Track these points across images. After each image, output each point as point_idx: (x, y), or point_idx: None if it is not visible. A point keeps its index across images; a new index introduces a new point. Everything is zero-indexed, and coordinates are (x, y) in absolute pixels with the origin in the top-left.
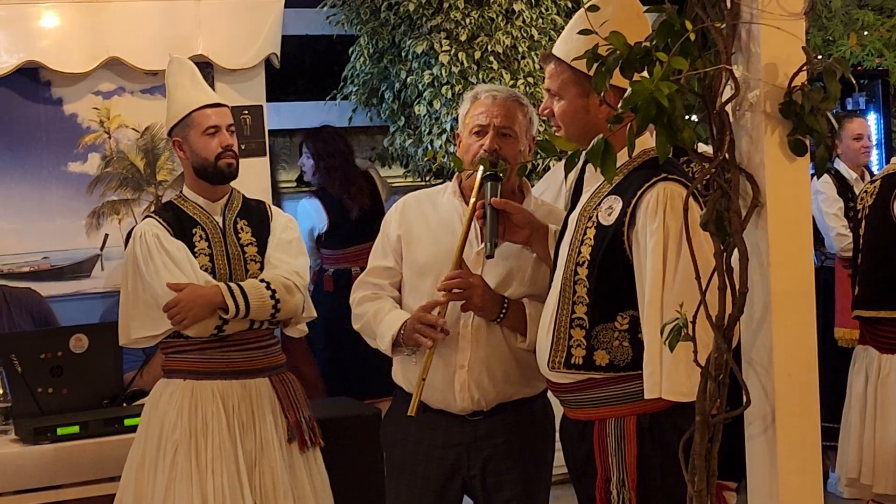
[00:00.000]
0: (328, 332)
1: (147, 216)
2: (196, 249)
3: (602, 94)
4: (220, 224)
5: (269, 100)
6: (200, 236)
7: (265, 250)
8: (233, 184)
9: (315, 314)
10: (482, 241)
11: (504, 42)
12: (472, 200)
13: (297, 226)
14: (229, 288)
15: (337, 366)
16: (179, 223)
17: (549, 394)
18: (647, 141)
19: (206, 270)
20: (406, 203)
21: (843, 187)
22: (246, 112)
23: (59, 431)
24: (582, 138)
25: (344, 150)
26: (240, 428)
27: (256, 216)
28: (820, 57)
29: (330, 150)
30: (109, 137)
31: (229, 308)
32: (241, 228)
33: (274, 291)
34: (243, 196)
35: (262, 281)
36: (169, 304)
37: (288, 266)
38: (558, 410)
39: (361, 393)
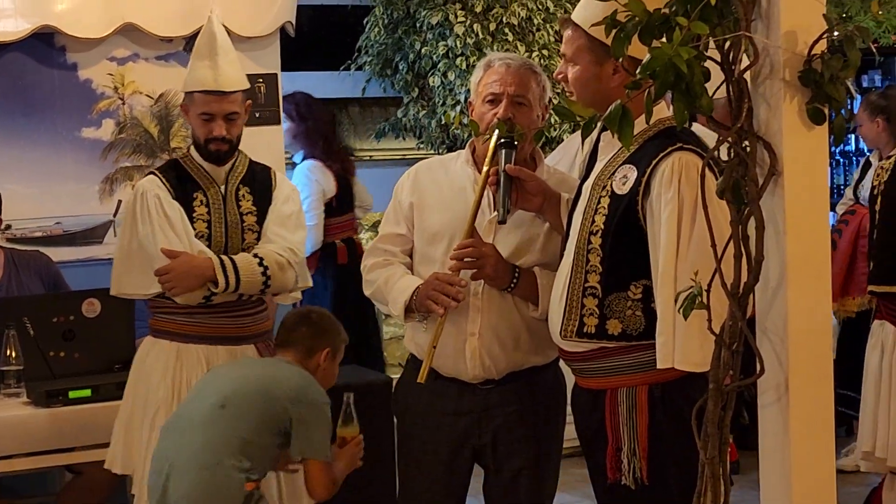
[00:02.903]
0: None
1: (151, 172)
2: (195, 214)
3: (620, 60)
4: (223, 191)
5: (283, 69)
6: (201, 201)
7: (264, 221)
8: (246, 151)
9: (311, 283)
10: (495, 209)
11: (519, 14)
12: (486, 168)
13: (299, 197)
14: (221, 262)
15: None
16: (182, 185)
17: (561, 362)
18: (663, 110)
19: (202, 237)
20: (419, 170)
21: None
22: (261, 80)
23: (71, 395)
24: (594, 105)
25: (330, 117)
26: None
27: (260, 184)
28: (837, 23)
29: (316, 115)
30: (123, 104)
31: (219, 282)
32: (243, 196)
33: (266, 268)
34: (250, 161)
35: (255, 256)
36: (161, 270)
37: (284, 241)
38: (570, 379)
39: None
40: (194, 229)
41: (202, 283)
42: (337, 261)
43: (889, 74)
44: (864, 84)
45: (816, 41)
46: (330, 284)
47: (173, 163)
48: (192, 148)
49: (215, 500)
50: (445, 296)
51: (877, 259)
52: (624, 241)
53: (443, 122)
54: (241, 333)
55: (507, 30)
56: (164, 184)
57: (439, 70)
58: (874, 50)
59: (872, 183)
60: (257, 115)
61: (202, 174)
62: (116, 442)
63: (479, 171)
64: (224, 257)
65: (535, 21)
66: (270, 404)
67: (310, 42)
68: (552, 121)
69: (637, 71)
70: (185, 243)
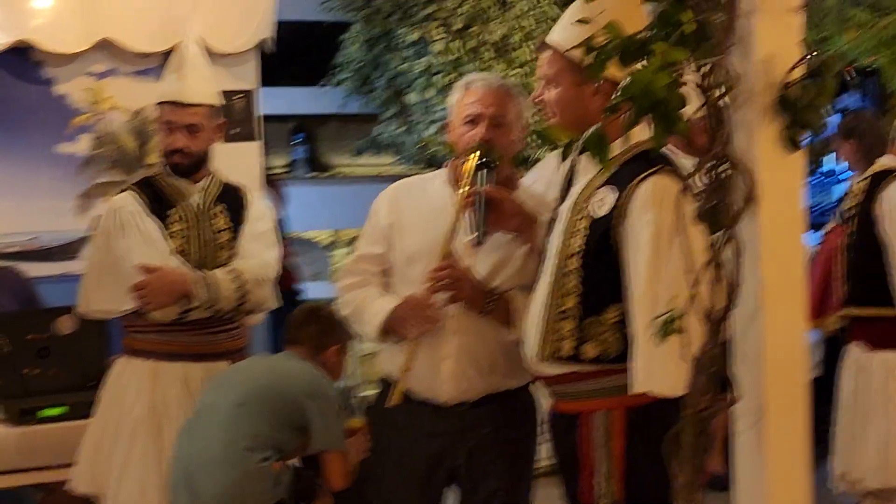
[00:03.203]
0: None
1: (125, 189)
2: (171, 231)
3: (598, 84)
4: (197, 208)
5: (262, 85)
6: (179, 217)
7: (238, 237)
8: (223, 167)
9: (275, 305)
10: (472, 230)
11: (498, 32)
12: (463, 189)
13: (272, 215)
14: (198, 277)
15: None
16: (158, 201)
17: (536, 385)
18: (641, 133)
19: (179, 253)
20: (397, 190)
21: None
22: (239, 96)
23: (45, 413)
24: (575, 127)
25: None
26: None
27: (234, 202)
28: (813, 51)
29: None
30: (101, 119)
31: (197, 296)
32: (218, 214)
33: (243, 283)
34: (224, 180)
35: (230, 271)
36: (137, 285)
37: (259, 258)
38: (544, 401)
39: None
40: (171, 245)
41: (179, 298)
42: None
43: (866, 95)
44: (842, 104)
45: (793, 68)
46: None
47: (149, 179)
48: (167, 165)
49: (248, 492)
50: (420, 319)
51: (851, 282)
52: (601, 264)
53: (421, 140)
54: (216, 350)
55: (485, 48)
56: (139, 200)
57: (417, 87)
58: (849, 76)
59: (846, 205)
60: (234, 131)
61: (176, 191)
62: (83, 461)
63: (458, 191)
64: (200, 272)
65: (514, 39)
66: (287, 400)
67: (288, 58)
68: (530, 141)
69: (614, 95)
70: (162, 259)
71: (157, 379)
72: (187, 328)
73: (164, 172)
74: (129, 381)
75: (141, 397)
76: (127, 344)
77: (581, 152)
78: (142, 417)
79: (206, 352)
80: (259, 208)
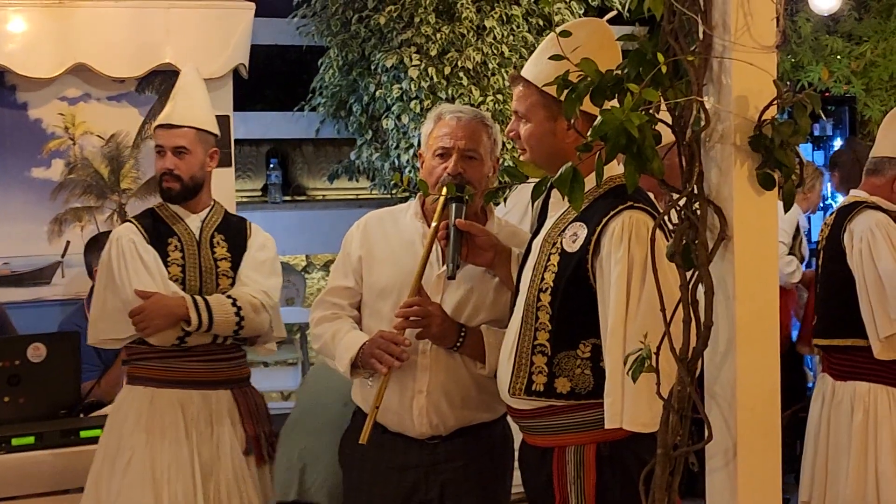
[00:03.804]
0: None
1: (127, 220)
2: (169, 259)
3: (574, 120)
4: (197, 235)
5: (235, 108)
6: (175, 246)
7: (238, 267)
8: None
9: (285, 334)
10: (443, 264)
11: (474, 58)
12: (434, 224)
13: (274, 245)
14: (194, 301)
15: None
16: (156, 230)
17: (509, 418)
18: (614, 168)
19: (176, 281)
20: (368, 222)
21: None
22: None
23: (14, 442)
24: (548, 162)
25: None
26: (198, 437)
27: (234, 232)
28: (787, 91)
29: None
30: (74, 144)
31: (192, 320)
32: (218, 243)
33: (239, 308)
34: (225, 211)
35: (228, 297)
36: (134, 310)
37: (258, 285)
38: (517, 434)
39: None
40: (168, 273)
41: (175, 322)
42: None
43: (840, 124)
44: (816, 132)
45: (767, 107)
46: None
47: (149, 212)
48: None
49: None
50: (389, 355)
51: (820, 313)
52: (573, 299)
53: (396, 165)
54: (215, 378)
55: (461, 73)
56: (139, 230)
57: (393, 113)
58: (822, 116)
59: (817, 237)
60: None
61: (177, 220)
62: (88, 491)
63: (429, 224)
64: (196, 296)
65: (490, 65)
66: None
67: (264, 81)
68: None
69: (588, 133)
70: (159, 285)
71: (154, 405)
72: (186, 355)
73: (167, 205)
74: (128, 408)
75: (139, 424)
76: (130, 372)
77: (551, 187)
78: (139, 443)
79: (206, 379)
80: (259, 239)
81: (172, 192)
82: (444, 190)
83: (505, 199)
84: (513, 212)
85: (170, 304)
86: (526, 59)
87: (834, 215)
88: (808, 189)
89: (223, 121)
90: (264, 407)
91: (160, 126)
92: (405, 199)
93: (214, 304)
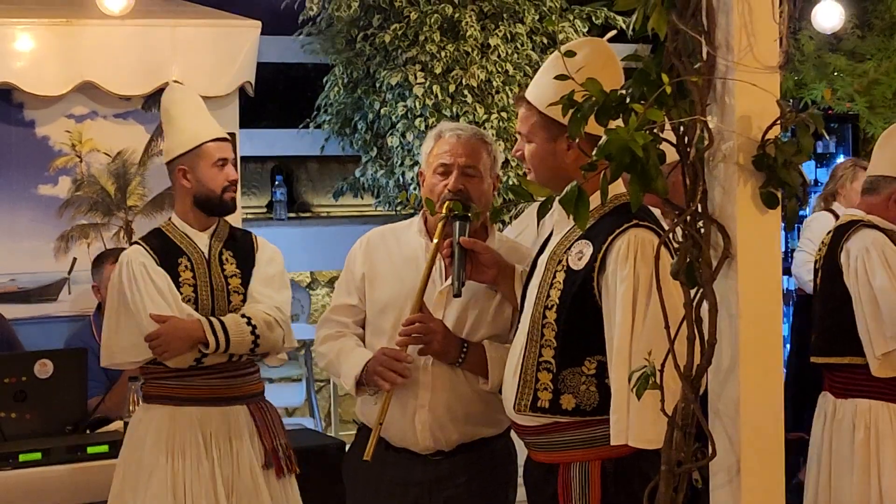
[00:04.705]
0: None
1: (135, 242)
2: (181, 280)
3: (577, 140)
4: (206, 254)
5: (241, 126)
6: (186, 266)
7: (249, 282)
8: None
9: (296, 344)
10: (445, 280)
11: (479, 76)
12: (436, 240)
13: (281, 258)
14: (210, 323)
15: None
16: (166, 252)
17: (513, 433)
18: (619, 186)
19: (189, 301)
20: (370, 239)
21: None
22: None
23: (22, 458)
24: (551, 181)
25: None
26: (217, 454)
27: (242, 247)
28: (790, 111)
29: None
30: (81, 161)
31: (209, 343)
32: (227, 259)
33: (254, 327)
34: (230, 226)
35: (243, 316)
36: (150, 335)
37: (270, 301)
38: (521, 450)
39: None
40: (181, 294)
41: (192, 345)
42: None
43: (844, 141)
44: (819, 150)
45: (770, 127)
46: None
47: (156, 231)
48: (175, 216)
49: None
50: (392, 372)
51: (818, 330)
52: (579, 316)
53: (400, 182)
54: (232, 394)
55: (466, 91)
56: (148, 252)
57: (398, 130)
58: (825, 135)
59: (815, 256)
60: None
61: (186, 240)
62: None
63: (433, 241)
64: (212, 318)
65: (495, 83)
66: None
67: (269, 98)
68: (505, 196)
69: (593, 152)
70: (173, 308)
71: (174, 423)
72: (203, 373)
73: (174, 224)
74: (147, 427)
75: (159, 442)
76: (146, 391)
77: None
78: (160, 462)
79: (224, 396)
80: (267, 252)
81: (234, 202)
82: (450, 205)
83: (511, 220)
84: (526, 232)
85: (187, 328)
86: (530, 77)
87: (831, 234)
88: (841, 186)
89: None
90: (280, 420)
91: (217, 140)
92: (410, 217)
93: (230, 324)
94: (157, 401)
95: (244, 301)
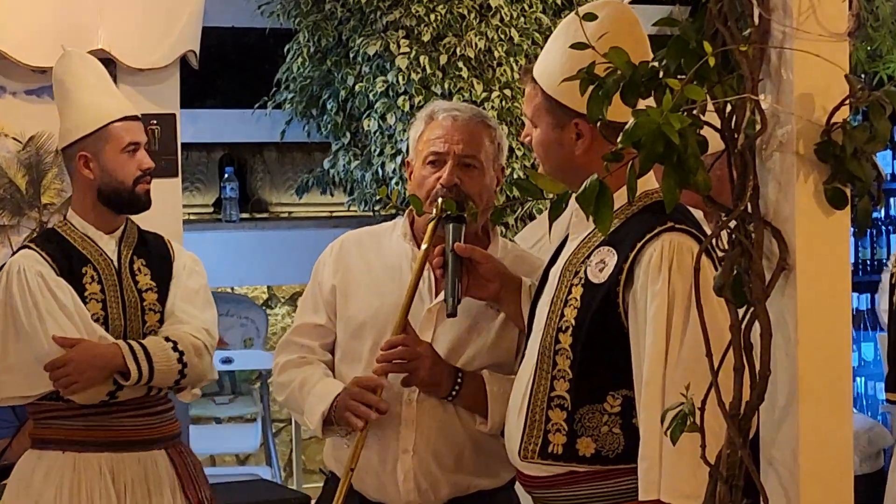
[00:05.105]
0: None
1: (25, 246)
2: (86, 294)
3: (596, 125)
4: (115, 262)
5: (183, 106)
6: (92, 277)
7: (166, 298)
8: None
9: (216, 376)
10: (435, 295)
11: (477, 44)
12: (425, 245)
13: (203, 267)
14: (131, 348)
15: None
16: (66, 259)
17: (518, 486)
18: (650, 181)
19: (97, 320)
20: (343, 245)
21: None
22: (154, 122)
23: None
24: (561, 176)
25: None
26: None
27: (156, 255)
28: (862, 88)
29: None
30: None
31: (131, 373)
32: (139, 269)
33: (181, 353)
34: (139, 228)
35: (167, 340)
36: (55, 363)
37: (197, 321)
38: None
39: None
40: (88, 311)
41: (109, 375)
42: None
43: None
44: None
45: (837, 107)
46: None
47: (50, 233)
48: (73, 214)
49: None
50: (364, 405)
51: (892, 364)
52: (600, 340)
53: (380, 176)
54: (150, 436)
55: (461, 63)
56: (45, 259)
57: (377, 111)
58: None
59: (890, 282)
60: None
61: (90, 244)
62: None
63: (419, 248)
64: (132, 342)
65: (497, 53)
66: None
67: (218, 72)
68: (509, 193)
69: (619, 139)
70: (81, 329)
71: (78, 473)
72: (113, 411)
73: (71, 224)
74: (42, 479)
75: (59, 498)
76: (37, 434)
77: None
78: None
79: (139, 438)
80: (185, 261)
81: (149, 196)
82: (441, 204)
83: (517, 222)
84: (543, 245)
85: (103, 354)
86: (540, 46)
87: None
88: None
89: (168, 121)
90: (201, 467)
91: (127, 119)
92: (391, 218)
93: (154, 350)
94: (52, 446)
95: (161, 322)
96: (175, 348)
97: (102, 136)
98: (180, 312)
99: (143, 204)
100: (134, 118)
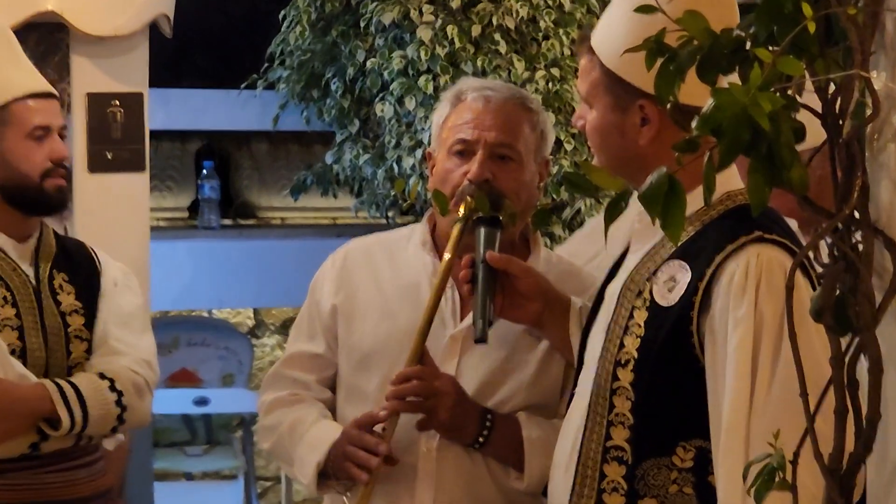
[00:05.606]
0: None
1: None
2: None
3: (668, 106)
4: (32, 279)
5: (152, 84)
6: (5, 298)
7: (94, 321)
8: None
9: (149, 420)
10: (461, 318)
11: (518, 12)
12: (448, 255)
13: (136, 283)
14: (60, 390)
15: None
16: None
17: None
18: (733, 178)
19: (13, 353)
20: (348, 257)
21: None
22: (117, 103)
23: None
24: (619, 169)
25: None
26: None
27: (81, 268)
28: None
29: None
30: None
31: (62, 420)
32: (61, 287)
33: (120, 394)
34: (55, 233)
35: (101, 377)
36: None
37: (134, 352)
38: None
39: None
40: (2, 342)
41: (33, 424)
42: None
43: None
44: None
45: None
46: None
47: None
48: None
49: None
50: (369, 453)
51: None
52: (669, 378)
53: (395, 172)
54: (77, 494)
55: (498, 36)
56: None
57: (392, 94)
58: None
59: None
60: (110, 155)
61: (0, 257)
62: None
63: (442, 258)
64: (61, 382)
65: (542, 24)
66: None
67: (196, 44)
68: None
69: (694, 125)
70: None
71: None
72: (38, 465)
73: None
74: None
75: None
76: None
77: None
78: None
79: (65, 497)
80: (114, 275)
81: (63, 195)
82: (470, 204)
83: (565, 228)
84: (602, 258)
85: (25, 397)
86: (597, 15)
87: None
88: None
89: (134, 101)
90: None
91: (35, 96)
92: (410, 224)
93: (88, 391)
94: None
95: (89, 351)
96: (112, 388)
97: (2, 118)
98: (114, 341)
99: (55, 203)
100: (47, 95)
